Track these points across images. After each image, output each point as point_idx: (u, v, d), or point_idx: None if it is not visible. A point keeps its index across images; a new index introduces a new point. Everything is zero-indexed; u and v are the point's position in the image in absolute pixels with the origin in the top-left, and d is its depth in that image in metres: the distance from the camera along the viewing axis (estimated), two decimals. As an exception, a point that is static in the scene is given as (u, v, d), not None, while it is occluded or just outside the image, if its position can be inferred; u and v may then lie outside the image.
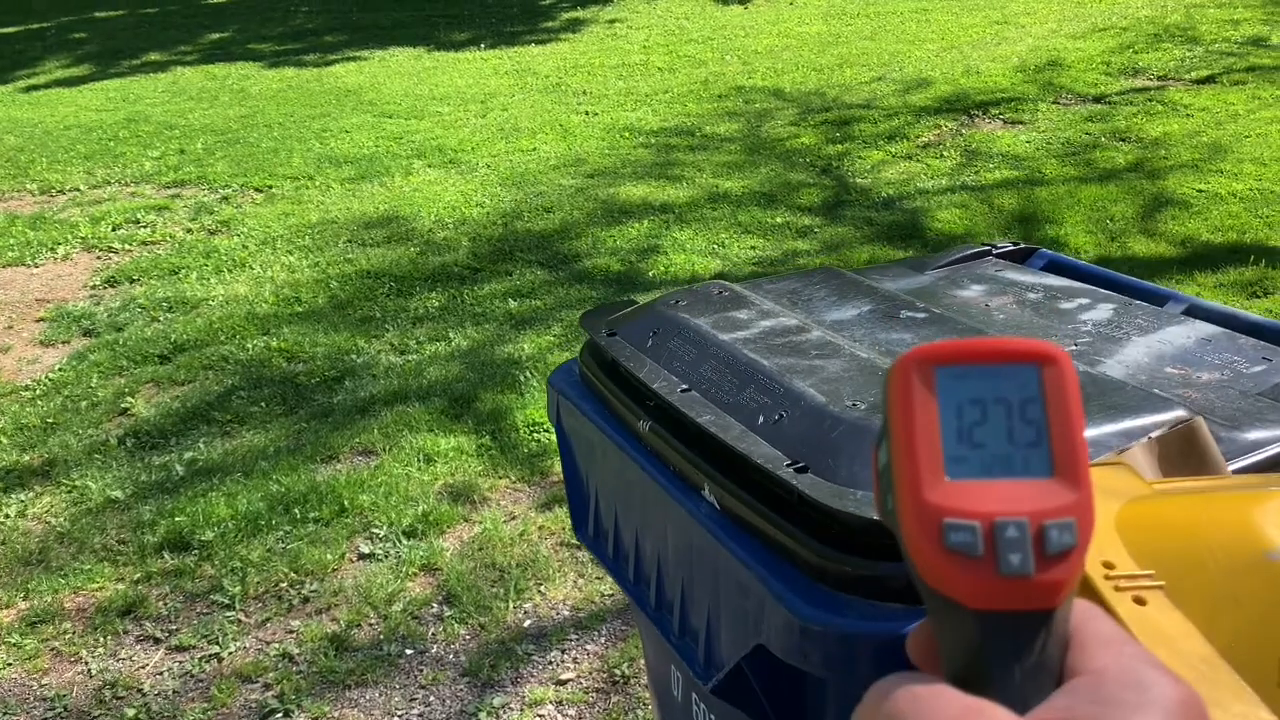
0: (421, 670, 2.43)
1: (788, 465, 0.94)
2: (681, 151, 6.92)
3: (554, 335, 4.30)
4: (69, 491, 3.33)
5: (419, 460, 3.36)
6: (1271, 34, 9.35)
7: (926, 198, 5.88)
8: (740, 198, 5.96)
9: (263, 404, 3.83)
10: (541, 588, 2.68)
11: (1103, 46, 9.19)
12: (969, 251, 1.55)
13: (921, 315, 1.24)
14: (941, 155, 6.62)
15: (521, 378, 3.90)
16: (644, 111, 7.99)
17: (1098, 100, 7.65)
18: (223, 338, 4.38)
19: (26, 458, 3.56)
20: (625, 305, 1.38)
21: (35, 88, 10.21)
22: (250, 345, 4.30)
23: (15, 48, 12.52)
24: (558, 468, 3.29)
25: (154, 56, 11.45)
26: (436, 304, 4.70)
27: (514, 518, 3.02)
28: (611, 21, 11.98)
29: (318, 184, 6.51)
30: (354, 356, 4.18)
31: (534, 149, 7.13)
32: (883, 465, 0.46)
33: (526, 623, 2.56)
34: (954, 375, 0.45)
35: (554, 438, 3.44)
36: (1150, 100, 7.51)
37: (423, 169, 6.77)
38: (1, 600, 2.81)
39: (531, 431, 3.51)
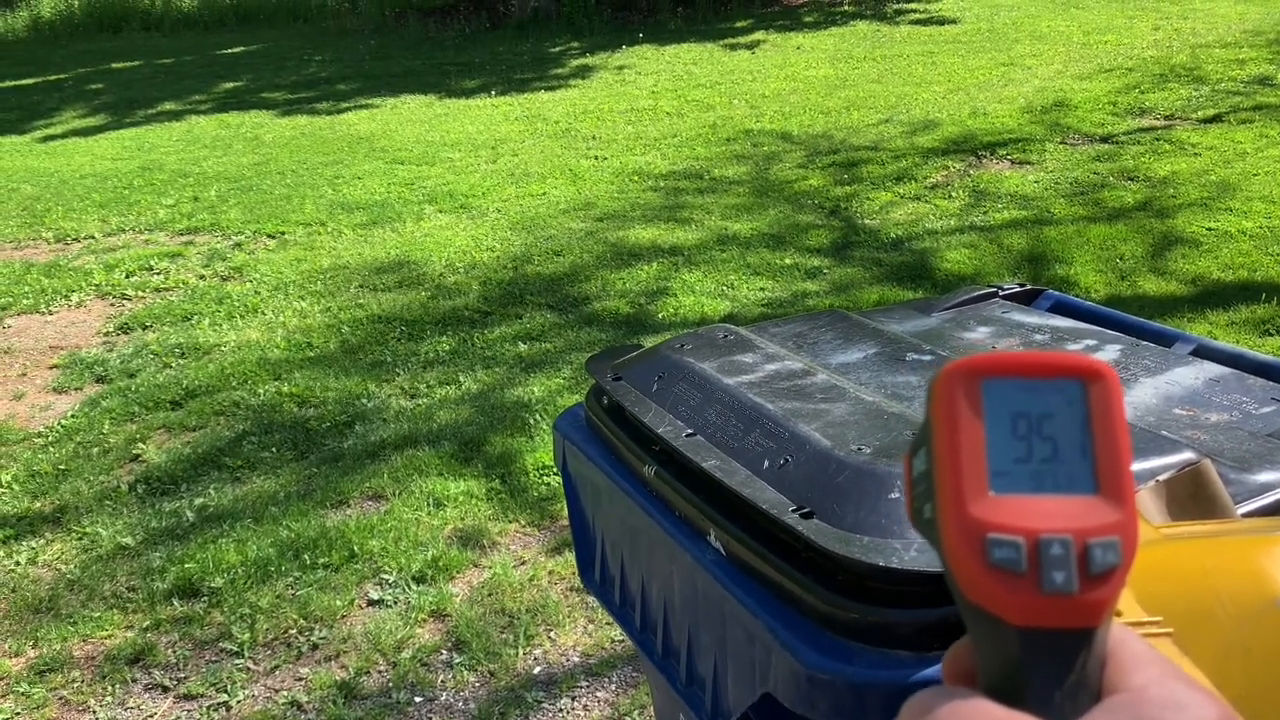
0: (431, 719, 2.40)
1: (793, 510, 0.94)
2: (690, 194, 6.97)
3: (563, 378, 4.31)
4: (79, 538, 3.33)
5: (429, 505, 3.36)
6: (1277, 73, 9.40)
7: (935, 238, 5.89)
8: (749, 239, 5.98)
9: (273, 449, 3.83)
10: (551, 634, 2.66)
11: (1109, 87, 9.24)
12: (975, 293, 1.55)
13: (928, 358, 1.24)
14: (949, 196, 6.64)
15: (531, 421, 3.90)
16: (653, 155, 8.06)
17: (1105, 140, 7.69)
18: (234, 383, 4.40)
19: (38, 504, 3.56)
20: (631, 349, 1.38)
21: (52, 138, 10.36)
22: (262, 390, 4.31)
23: (33, 99, 12.73)
24: (567, 511, 3.28)
25: (169, 106, 11.61)
26: (447, 348, 4.71)
27: (524, 562, 3.01)
28: (620, 68, 12.12)
29: (330, 230, 6.56)
30: (364, 401, 4.19)
31: (544, 193, 7.18)
32: (919, 473, 0.46)
33: (536, 669, 2.54)
34: (1000, 388, 0.45)
35: (562, 481, 3.44)
36: (1158, 140, 7.54)
37: (434, 214, 6.82)
38: (10, 649, 2.80)
39: (541, 475, 3.50)
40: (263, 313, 5.23)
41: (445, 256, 5.96)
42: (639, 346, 1.41)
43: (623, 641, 2.62)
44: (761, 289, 5.26)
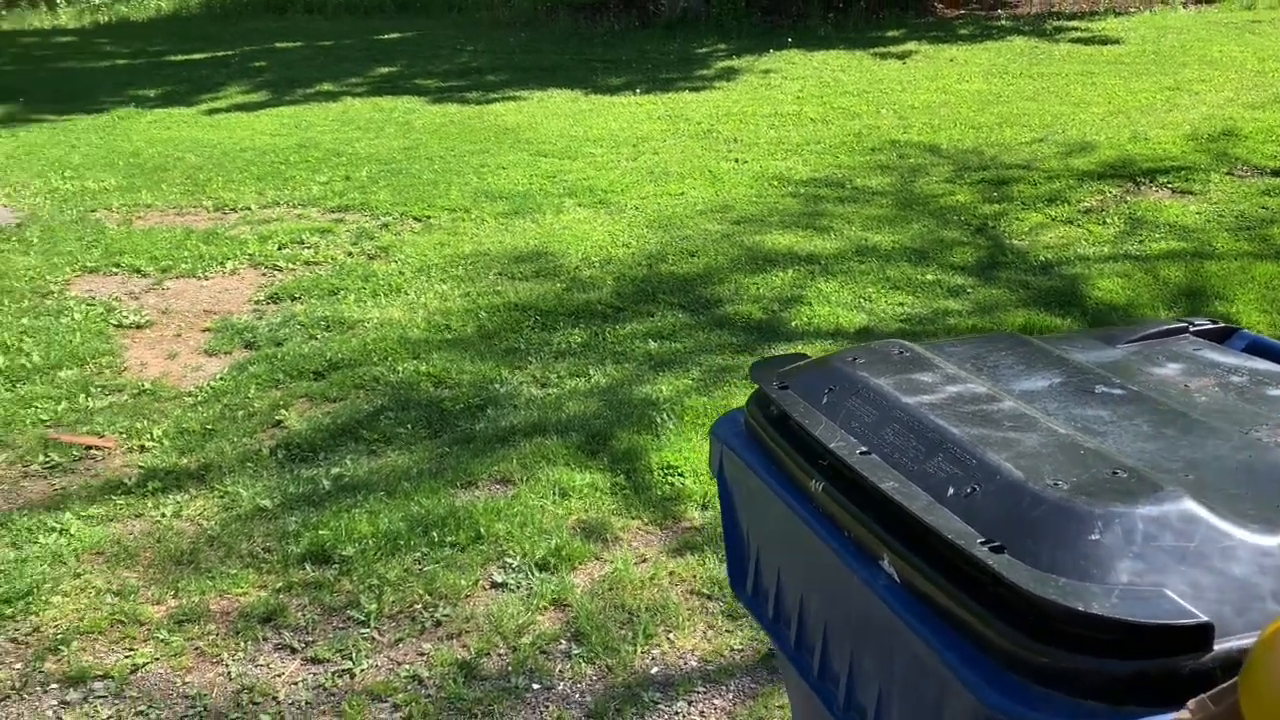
0: (547, 707, 2.41)
1: (982, 543, 0.89)
2: (830, 203, 6.86)
3: (692, 379, 4.28)
4: (221, 496, 3.47)
5: (554, 493, 3.38)
6: None
7: (1086, 264, 5.66)
8: (889, 252, 5.85)
9: (409, 426, 3.92)
10: (670, 635, 2.65)
11: (1284, 117, 8.73)
12: (1164, 327, 1.46)
13: (1118, 392, 1.17)
14: (1104, 222, 6.37)
15: (658, 419, 3.89)
16: (794, 161, 7.97)
17: (1277, 174, 7.26)
18: (375, 359, 4.52)
19: (185, 461, 3.72)
20: (797, 358, 1.34)
21: (216, 111, 10.86)
22: (401, 368, 4.42)
23: (202, 73, 13.37)
24: (690, 513, 3.26)
25: (326, 87, 12.04)
26: (579, 340, 4.74)
27: (645, 560, 3.00)
28: (766, 71, 12.03)
29: (473, 216, 6.69)
30: (497, 386, 4.24)
31: (682, 193, 7.18)
32: None
33: (654, 669, 2.52)
34: None
35: (688, 483, 3.42)
36: (1337, 176, 7.08)
37: (573, 207, 6.89)
38: (152, 597, 2.93)
39: (665, 475, 3.48)
40: (405, 293, 5.36)
41: (582, 250, 6.01)
42: (803, 356, 1.37)
43: (741, 651, 2.58)
44: (900, 304, 5.13)
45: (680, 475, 3.46)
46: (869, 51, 13.15)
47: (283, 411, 4.05)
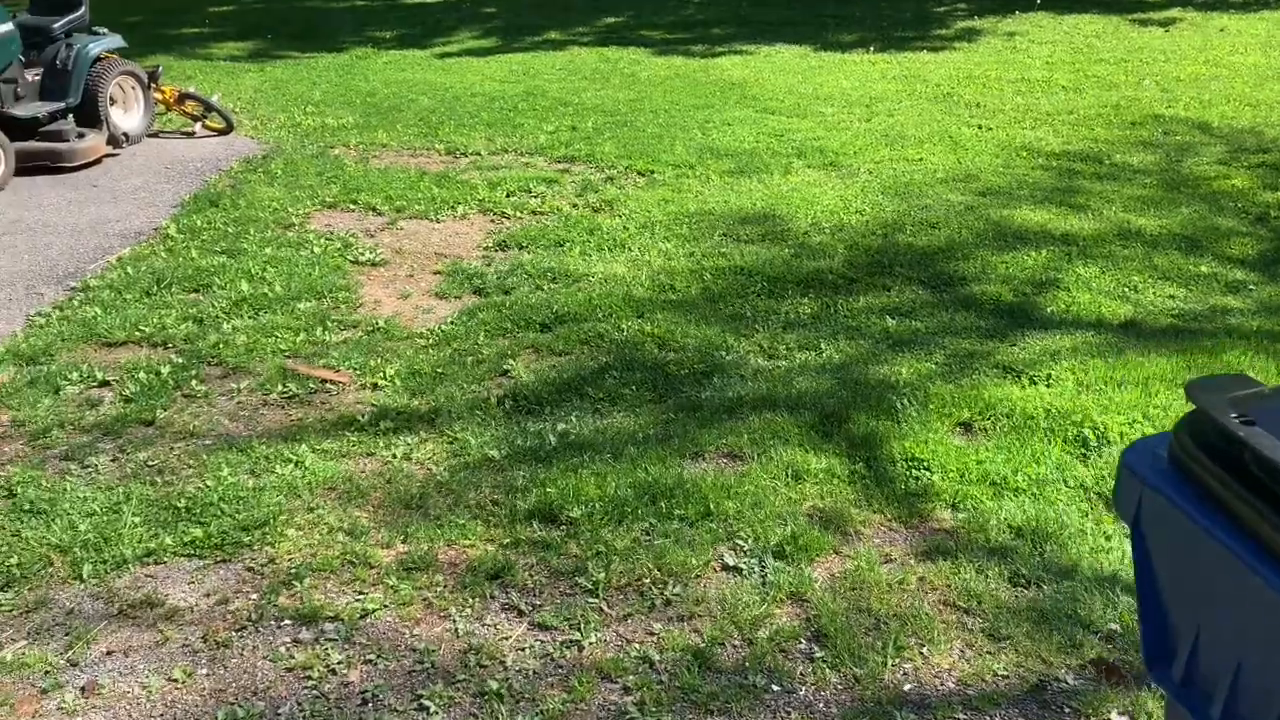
0: (789, 713, 2.23)
1: None
2: (1086, 179, 6.30)
3: (935, 363, 3.97)
4: (450, 443, 3.44)
5: (787, 475, 3.17)
6: None
7: (1395, 267, 4.95)
8: (1156, 238, 5.30)
9: (633, 387, 3.79)
10: (924, 649, 2.40)
11: None
12: None
13: None
14: None
15: (898, 405, 3.61)
16: (1044, 131, 7.38)
17: None
18: (600, 315, 4.42)
19: (415, 402, 3.73)
20: (1250, 382, 1.07)
21: (448, 55, 11.08)
22: (625, 326, 4.30)
23: (435, 17, 13.71)
24: (940, 513, 2.98)
25: (553, 35, 12.10)
26: (808, 310, 4.50)
27: (891, 560, 2.76)
28: (1010, 34, 11.26)
29: (698, 174, 6.51)
30: (723, 353, 4.06)
31: (920, 159, 6.76)
32: None
33: (906, 686, 2.29)
34: None
35: (935, 479, 3.14)
36: None
37: (802, 169, 6.60)
38: (382, 539, 2.92)
39: (909, 468, 3.21)
40: (630, 248, 5.24)
41: (811, 214, 5.73)
42: (1248, 379, 1.09)
43: (1007, 678, 2.31)
44: (1171, 296, 4.62)
45: (926, 469, 3.18)
46: (1127, 17, 12.11)
47: (510, 361, 4.00)
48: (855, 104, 8.31)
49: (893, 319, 4.39)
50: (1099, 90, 8.56)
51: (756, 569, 2.71)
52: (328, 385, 3.88)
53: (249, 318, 4.49)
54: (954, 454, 3.26)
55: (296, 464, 3.34)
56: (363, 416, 3.62)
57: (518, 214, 5.81)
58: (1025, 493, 3.06)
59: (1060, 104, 8.15)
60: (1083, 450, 3.33)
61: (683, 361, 4.00)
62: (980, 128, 7.51)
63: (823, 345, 4.14)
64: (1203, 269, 4.91)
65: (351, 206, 5.97)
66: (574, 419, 3.56)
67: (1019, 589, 2.62)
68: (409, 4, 15.23)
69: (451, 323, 4.40)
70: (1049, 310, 4.47)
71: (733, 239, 5.38)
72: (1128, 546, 2.80)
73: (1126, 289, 4.71)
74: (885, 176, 6.40)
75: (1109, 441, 3.36)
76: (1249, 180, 6.23)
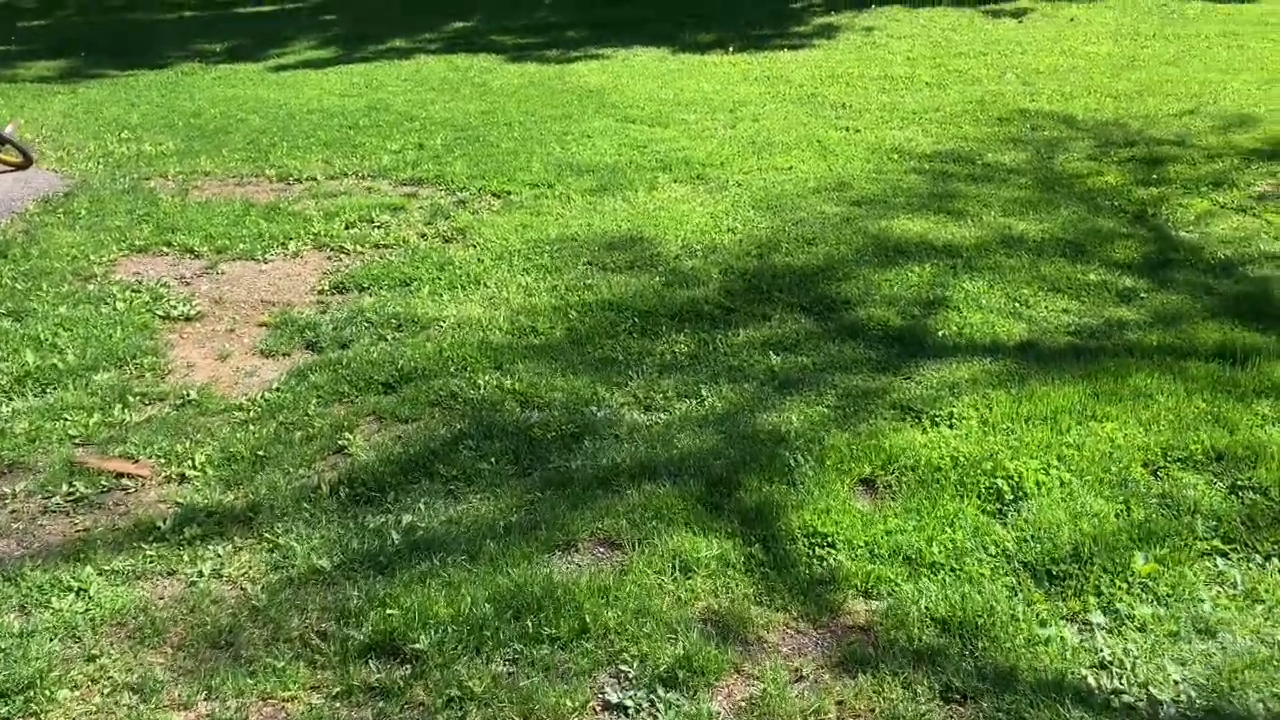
0: None
1: None
2: (961, 181, 6.06)
3: (827, 406, 3.58)
4: (270, 550, 2.87)
5: (674, 568, 2.72)
6: None
7: (1277, 264, 4.81)
8: (1040, 244, 5.05)
9: (493, 459, 3.28)
10: (852, 808, 1.98)
11: None
12: None
13: None
14: (1285, 210, 5.49)
15: (793, 461, 3.20)
16: (913, 131, 7.15)
17: None
18: (453, 368, 3.89)
19: (230, 497, 3.14)
20: None
21: (284, 68, 10.30)
22: (482, 382, 3.78)
23: (271, 26, 12.84)
24: (852, 604, 2.57)
25: (398, 43, 11.42)
26: (685, 349, 4.06)
27: (802, 678, 2.33)
28: (869, 29, 11.12)
29: (557, 193, 6.02)
30: (594, 409, 3.59)
31: (790, 167, 6.42)
32: None
33: None
34: None
35: (842, 559, 2.73)
36: None
37: (668, 183, 6.18)
38: (179, 698, 2.34)
39: (812, 546, 2.80)
40: (485, 284, 4.72)
41: (681, 235, 5.30)
42: None
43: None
44: (1064, 310, 4.36)
45: (831, 546, 2.77)
46: (980, 9, 12.14)
47: (346, 435, 3.44)
48: (718, 109, 7.95)
49: (777, 355, 3.99)
50: (962, 85, 8.42)
51: (646, 706, 2.24)
52: (124, 481, 3.25)
53: (34, 397, 3.80)
54: (860, 524, 2.86)
55: (79, 593, 2.72)
56: (164, 521, 3.01)
57: (358, 249, 5.21)
58: (944, 568, 2.68)
59: (925, 101, 7.95)
60: (998, 506, 2.98)
61: (549, 422, 3.50)
62: (848, 130, 7.23)
63: (703, 391, 3.71)
64: (1091, 277, 4.68)
65: (165, 249, 5.26)
66: (422, 507, 3.03)
67: (953, 706, 2.22)
68: (243, 14, 14.27)
69: (278, 388, 3.80)
70: (941, 334, 4.14)
71: (599, 267, 4.91)
72: (1066, 633, 2.45)
73: (1018, 304, 4.42)
74: (755, 188, 6.03)
75: (1025, 493, 3.02)
76: (1121, 176, 6.09)
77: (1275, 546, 2.74)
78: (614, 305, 4.46)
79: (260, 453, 3.37)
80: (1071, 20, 11.28)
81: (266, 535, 2.94)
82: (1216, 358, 3.86)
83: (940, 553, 2.74)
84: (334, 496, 3.12)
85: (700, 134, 7.27)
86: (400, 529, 2.92)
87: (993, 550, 2.76)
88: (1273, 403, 3.52)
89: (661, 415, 3.57)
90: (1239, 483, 3.05)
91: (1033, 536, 2.80)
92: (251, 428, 3.53)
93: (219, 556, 2.85)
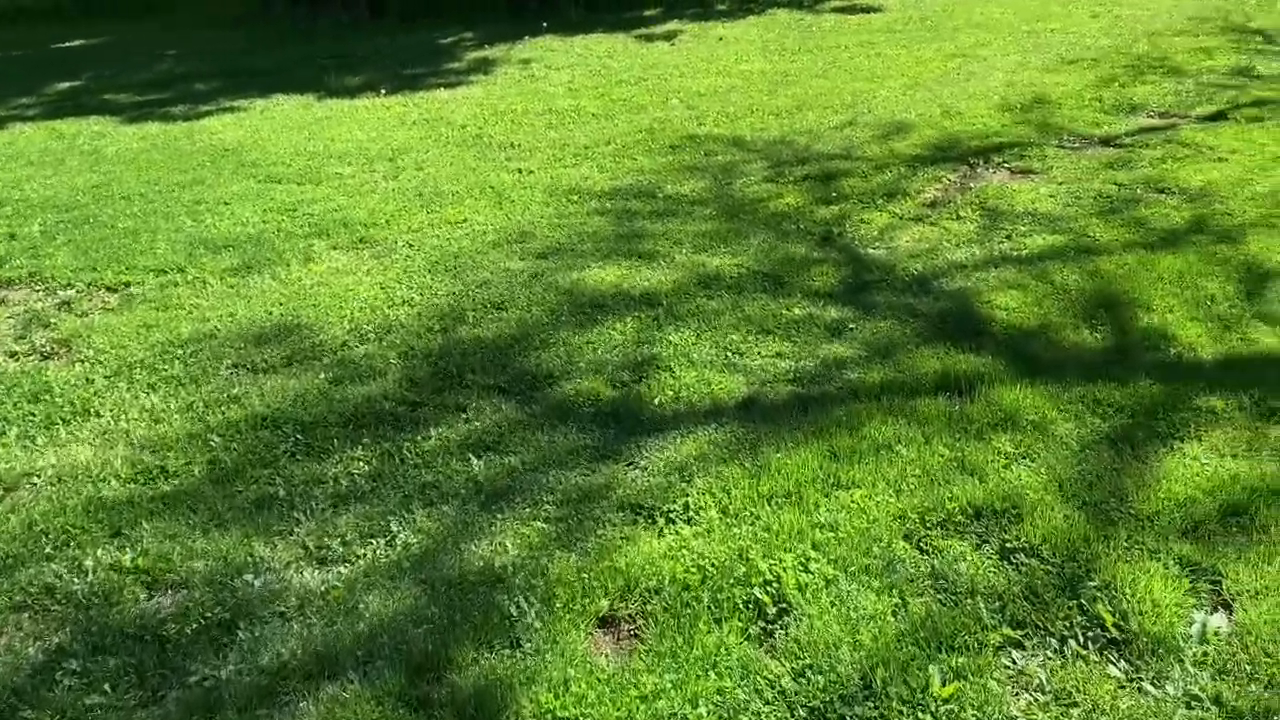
0: None
1: None
2: (646, 219, 5.68)
3: (545, 519, 2.97)
4: None
5: (375, 812, 2.00)
6: (1254, 63, 8.64)
7: (966, 274, 4.75)
8: (738, 280, 4.73)
9: (108, 686, 2.40)
10: None
11: (1084, 80, 8.32)
12: None
13: None
14: (958, 216, 5.52)
15: (513, 610, 2.57)
16: (588, 168, 6.73)
17: (1108, 143, 6.71)
18: (49, 548, 2.93)
19: None
20: None
21: None
22: (92, 562, 2.85)
23: None
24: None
25: (-14, 111, 9.70)
26: (365, 467, 3.32)
27: None
28: (525, 61, 10.71)
29: (190, 278, 5.04)
30: (250, 576, 2.77)
31: (464, 219, 5.79)
32: None
33: None
34: None
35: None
36: (1168, 142, 6.59)
37: (326, 252, 5.36)
38: None
39: (555, 734, 2.17)
40: (98, 414, 3.72)
41: (348, 315, 4.53)
42: None
43: None
44: (778, 354, 4.01)
45: (579, 738, 2.16)
46: (631, 34, 12.08)
47: (-118, 686, 2.42)
48: (377, 159, 7.18)
49: (478, 458, 3.33)
50: (629, 114, 8.14)
51: None
52: None
53: None
54: (608, 692, 2.26)
55: None
56: None
57: (-82, 389, 4.02)
58: (719, 738, 2.14)
59: (595, 134, 7.58)
60: (763, 626, 2.49)
61: (188, 610, 2.65)
62: (521, 171, 6.70)
63: (393, 525, 2.99)
64: (797, 311, 4.38)
65: None
66: (-2, 792, 2.11)
67: None
68: None
69: None
70: (657, 402, 3.65)
71: (247, 370, 4.05)
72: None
73: (730, 353, 4.03)
74: (429, 248, 5.34)
75: (788, 603, 2.55)
76: (800, 196, 5.95)
77: (1067, 623, 2.42)
78: (269, 420, 3.63)
79: None
80: (721, 40, 11.44)
81: None
82: (942, 390, 3.62)
83: (710, 714, 2.19)
84: None
85: (359, 189, 6.48)
86: (-38, 839, 2.00)
87: (769, 696, 2.25)
88: (1010, 435, 3.30)
89: (342, 569, 2.81)
90: (1007, 544, 2.74)
91: (811, 667, 2.32)
92: None
93: None
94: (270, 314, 4.58)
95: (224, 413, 3.70)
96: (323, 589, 2.72)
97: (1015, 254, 4.95)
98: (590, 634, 2.49)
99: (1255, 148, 6.36)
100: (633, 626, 2.53)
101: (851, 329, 4.22)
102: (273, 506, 3.12)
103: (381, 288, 4.83)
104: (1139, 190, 5.74)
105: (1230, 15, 10.79)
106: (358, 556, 2.86)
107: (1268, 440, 3.22)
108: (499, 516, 3.01)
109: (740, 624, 2.49)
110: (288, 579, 2.77)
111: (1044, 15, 11.73)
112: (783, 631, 2.46)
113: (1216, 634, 2.36)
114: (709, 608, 2.54)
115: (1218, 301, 4.29)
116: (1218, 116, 7.13)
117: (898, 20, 12.01)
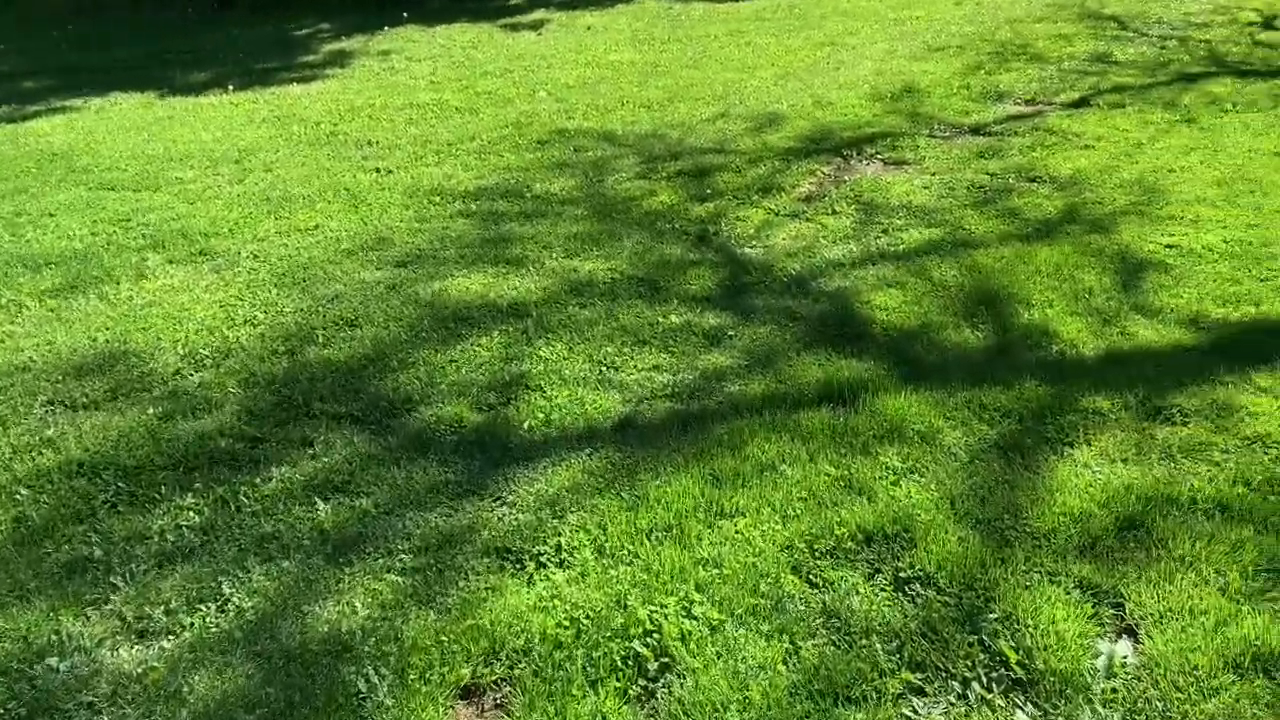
0: None
1: None
2: (514, 221, 5.37)
3: (400, 572, 2.67)
4: None
5: None
6: (1112, 49, 8.81)
7: (844, 273, 4.60)
8: (612, 286, 4.48)
9: None
10: None
11: (950, 68, 8.33)
12: None
13: None
14: (833, 211, 5.39)
15: (361, 684, 2.26)
16: (451, 166, 6.37)
17: (977, 132, 6.69)
18: None
19: None
20: None
21: None
22: None
23: None
24: None
25: None
26: (196, 518, 2.96)
27: None
28: (385, 53, 10.23)
29: (3, 302, 4.53)
30: (54, 659, 2.40)
31: (316, 225, 5.38)
32: None
33: None
34: None
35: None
36: (1036, 130, 6.60)
37: (162, 267, 4.90)
38: None
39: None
40: (-121, 469, 3.24)
41: (183, 338, 4.12)
42: None
43: None
44: (655, 367, 3.77)
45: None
46: (496, 23, 11.69)
47: None
48: (221, 161, 6.68)
49: (325, 502, 3.00)
50: (494, 108, 7.80)
51: None
52: None
53: None
54: (470, 782, 1.99)
55: None
56: None
57: None
58: (597, 830, 1.88)
59: (459, 129, 7.22)
60: (644, 687, 2.24)
61: (-25, 706, 2.27)
62: (379, 171, 6.30)
63: (226, 587, 2.64)
64: (674, 319, 4.15)
65: None
66: None
67: None
68: None
69: None
70: (526, 426, 3.37)
71: (65, 407, 3.61)
72: None
73: (604, 368, 3.78)
74: (276, 259, 4.93)
75: (671, 657, 2.31)
76: (674, 194, 5.73)
77: (969, 663, 2.25)
78: (87, 466, 3.22)
79: None
80: (589, 29, 11.16)
81: None
82: (825, 401, 3.44)
83: (587, 801, 1.94)
84: None
85: (201, 195, 5.99)
86: None
87: (654, 772, 2.01)
88: (897, 448, 3.13)
89: (164, 644, 2.46)
90: (901, 572, 2.56)
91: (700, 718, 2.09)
92: None
93: None
94: (94, 341, 4.13)
95: (34, 459, 3.27)
96: (140, 671, 2.36)
97: (892, 250, 4.83)
98: (450, 708, 2.21)
99: (1119, 134, 6.42)
100: (498, 695, 2.25)
101: (731, 336, 4.02)
102: (87, 570, 2.73)
103: (221, 306, 4.42)
104: (1011, 179, 5.71)
105: (1086, 2, 11.03)
106: (183, 627, 2.51)
107: (1155, 442, 3.13)
108: (347, 570, 2.69)
109: (619, 684, 2.24)
110: (99, 660, 2.40)
111: (909, 3, 11.81)
112: (665, 690, 2.22)
113: (1123, 664, 2.22)
114: (583, 668, 2.28)
115: (1095, 294, 4.23)
116: (1081, 103, 7.20)
117: (766, 8, 11.93)
